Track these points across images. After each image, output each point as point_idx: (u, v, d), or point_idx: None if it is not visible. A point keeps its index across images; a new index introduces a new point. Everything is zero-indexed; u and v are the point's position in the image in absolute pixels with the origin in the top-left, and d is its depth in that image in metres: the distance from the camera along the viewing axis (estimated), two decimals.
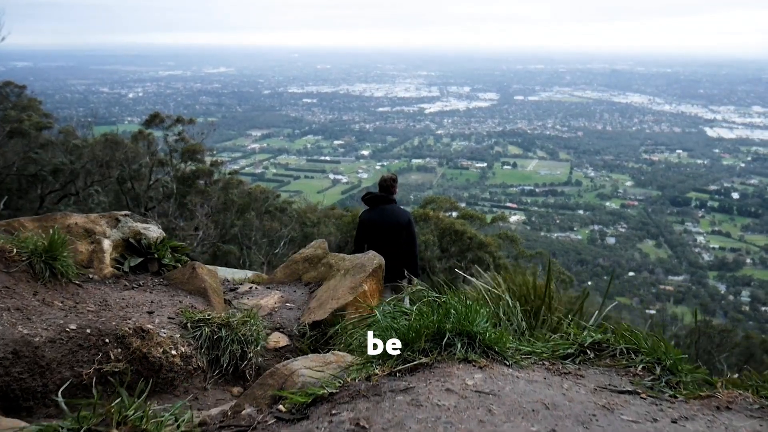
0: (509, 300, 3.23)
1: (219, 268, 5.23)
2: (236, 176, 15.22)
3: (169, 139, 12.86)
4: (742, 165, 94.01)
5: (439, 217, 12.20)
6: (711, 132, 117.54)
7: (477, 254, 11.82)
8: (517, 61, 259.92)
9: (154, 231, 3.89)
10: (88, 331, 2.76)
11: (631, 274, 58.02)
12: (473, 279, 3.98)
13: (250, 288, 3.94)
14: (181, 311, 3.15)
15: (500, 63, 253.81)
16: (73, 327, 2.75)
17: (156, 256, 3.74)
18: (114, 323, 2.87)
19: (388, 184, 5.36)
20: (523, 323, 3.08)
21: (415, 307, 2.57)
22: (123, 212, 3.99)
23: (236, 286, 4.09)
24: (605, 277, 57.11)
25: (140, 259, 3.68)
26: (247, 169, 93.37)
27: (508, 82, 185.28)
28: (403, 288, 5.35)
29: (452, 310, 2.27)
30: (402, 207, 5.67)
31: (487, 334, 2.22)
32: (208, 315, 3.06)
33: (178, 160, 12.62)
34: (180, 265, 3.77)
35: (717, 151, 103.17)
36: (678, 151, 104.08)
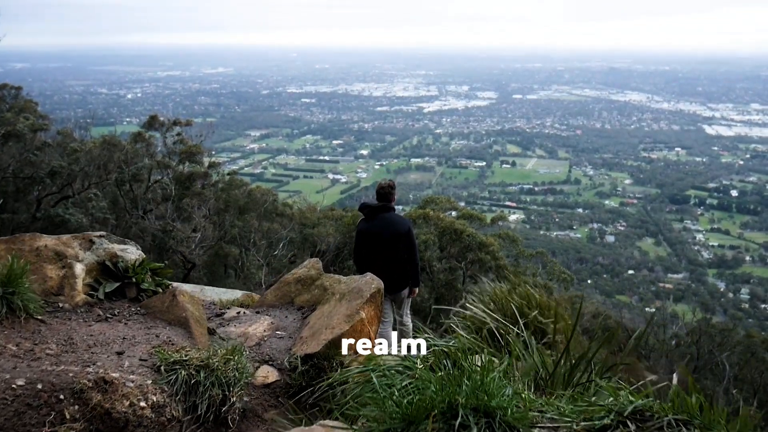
0: (525, 337, 2.89)
1: (207, 288, 4.86)
2: (235, 176, 15.19)
3: (168, 141, 12.84)
4: (741, 162, 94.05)
5: (439, 216, 12.15)
6: (709, 130, 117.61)
7: (478, 255, 11.77)
8: (515, 60, 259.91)
9: (132, 252, 3.56)
10: (40, 386, 2.37)
11: (630, 272, 58.04)
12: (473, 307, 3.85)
13: (238, 313, 3.62)
14: (156, 350, 2.80)
15: (498, 62, 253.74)
16: (20, 383, 2.37)
17: (134, 280, 3.43)
18: (72, 374, 2.48)
19: (386, 192, 5.16)
20: (542, 370, 2.68)
21: (419, 368, 2.18)
22: (98, 233, 3.64)
23: (223, 310, 3.76)
24: (605, 276, 57.13)
25: (117, 284, 3.38)
26: (246, 169, 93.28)
27: (507, 81, 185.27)
28: (404, 299, 5.16)
29: (466, 380, 1.91)
30: (401, 215, 5.57)
31: (509, 411, 1.83)
32: (186, 355, 2.73)
33: (177, 161, 12.58)
34: (161, 290, 3.46)
35: (716, 148, 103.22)
36: (677, 148, 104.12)
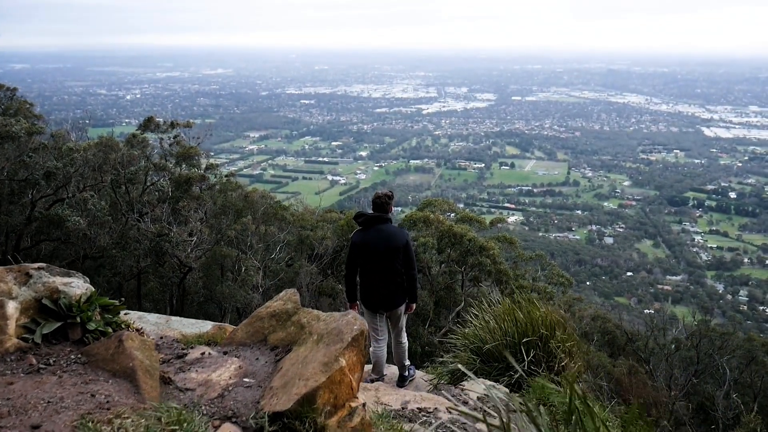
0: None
1: (174, 319, 4.31)
2: (233, 178, 15.09)
3: (164, 143, 12.74)
4: (739, 164, 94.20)
5: (439, 219, 12.05)
6: (708, 131, 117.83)
7: (478, 259, 11.68)
8: (514, 62, 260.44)
9: (78, 287, 3.08)
10: None
11: (629, 273, 58.03)
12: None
13: (203, 354, 3.18)
14: (83, 421, 2.22)
15: (497, 63, 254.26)
16: None
17: (78, 319, 2.96)
18: None
19: (382, 202, 4.81)
20: None
21: None
22: (37, 264, 3.15)
23: (184, 351, 3.28)
24: (603, 277, 57.10)
25: (57, 325, 2.92)
26: (245, 170, 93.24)
27: (506, 83, 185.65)
28: (401, 315, 4.83)
29: None
30: (399, 227, 5.15)
31: None
32: (119, 428, 2.18)
33: (174, 163, 12.49)
34: (111, 330, 3.03)
35: (714, 150, 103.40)
36: (675, 150, 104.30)
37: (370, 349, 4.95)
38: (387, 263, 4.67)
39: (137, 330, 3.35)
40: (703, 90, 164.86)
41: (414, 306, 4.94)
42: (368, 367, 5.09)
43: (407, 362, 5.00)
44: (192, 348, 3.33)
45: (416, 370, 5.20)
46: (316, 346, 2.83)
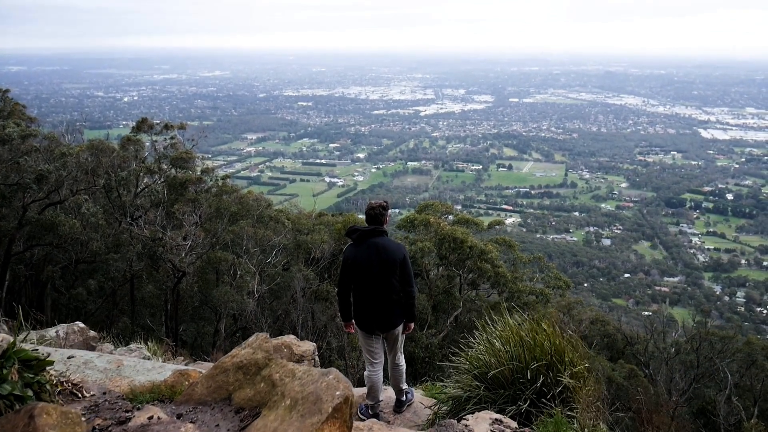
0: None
1: (127, 363, 3.51)
2: (229, 180, 14.95)
3: (158, 146, 12.58)
4: (736, 166, 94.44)
5: (439, 223, 11.91)
6: (705, 133, 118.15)
7: (477, 263, 11.54)
8: (511, 63, 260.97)
9: None
10: None
11: (626, 275, 58.03)
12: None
13: (150, 419, 2.57)
14: None
15: (495, 65, 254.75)
16: None
17: None
18: None
19: (377, 213, 4.37)
20: None
21: None
22: None
23: (128, 413, 2.65)
24: (601, 279, 57.08)
25: None
26: (242, 172, 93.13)
27: (503, 84, 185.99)
28: (398, 336, 4.43)
29: None
30: (396, 240, 4.74)
31: None
32: None
33: (168, 167, 12.34)
34: (31, 393, 2.46)
35: (711, 152, 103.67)
36: (672, 152, 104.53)
37: (365, 373, 4.59)
38: (383, 280, 4.30)
39: (73, 385, 2.77)
40: (700, 92, 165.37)
41: (412, 325, 4.57)
42: (362, 391, 4.68)
43: (405, 386, 4.68)
44: (139, 409, 2.73)
45: (414, 393, 4.85)
46: (289, 416, 2.27)
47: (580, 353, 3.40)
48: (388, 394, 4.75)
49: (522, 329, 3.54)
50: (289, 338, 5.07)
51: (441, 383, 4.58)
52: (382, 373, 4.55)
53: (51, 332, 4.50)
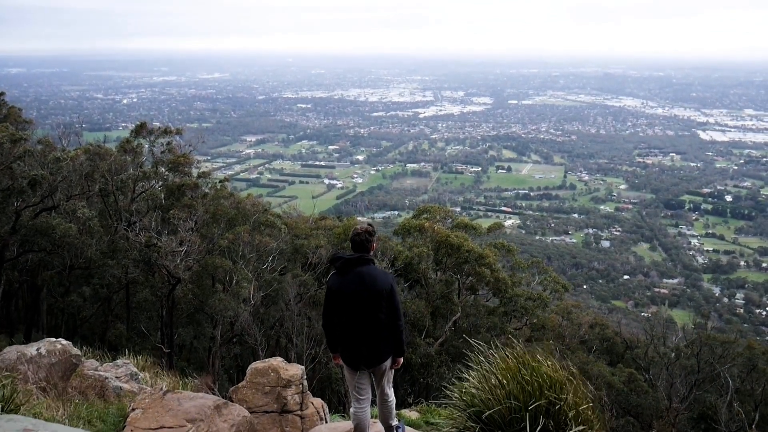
0: None
1: None
2: (228, 183, 14.86)
3: (155, 150, 12.50)
4: (735, 167, 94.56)
5: (434, 229, 11.82)
6: (704, 135, 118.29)
7: (475, 268, 11.45)
8: (510, 65, 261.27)
9: None
10: None
11: (625, 277, 58.01)
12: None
13: None
14: None
15: (494, 67, 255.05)
16: None
17: None
18: None
19: (362, 240, 4.07)
20: None
21: None
22: None
23: None
24: (600, 281, 57.02)
25: None
26: (242, 174, 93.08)
27: (502, 86, 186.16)
28: (386, 371, 4.16)
29: None
30: (382, 269, 4.47)
31: None
32: None
33: (165, 171, 12.26)
34: None
35: (710, 153, 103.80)
36: (671, 154, 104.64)
37: (351, 410, 4.31)
38: (369, 314, 4.01)
39: None
40: (699, 94, 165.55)
41: (401, 360, 4.30)
42: (349, 426, 4.38)
43: (395, 421, 4.36)
44: None
45: (406, 429, 4.55)
46: None
47: (583, 395, 3.19)
48: (377, 428, 4.46)
49: (519, 361, 3.33)
50: (277, 361, 4.89)
51: (436, 406, 4.29)
52: (369, 410, 4.28)
53: (32, 349, 4.31)
